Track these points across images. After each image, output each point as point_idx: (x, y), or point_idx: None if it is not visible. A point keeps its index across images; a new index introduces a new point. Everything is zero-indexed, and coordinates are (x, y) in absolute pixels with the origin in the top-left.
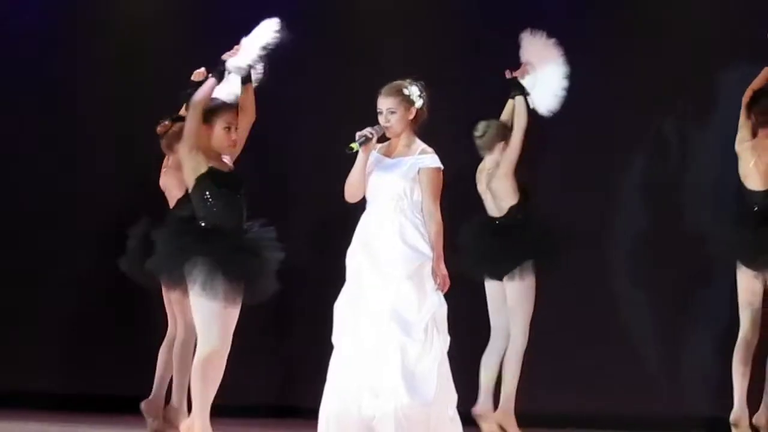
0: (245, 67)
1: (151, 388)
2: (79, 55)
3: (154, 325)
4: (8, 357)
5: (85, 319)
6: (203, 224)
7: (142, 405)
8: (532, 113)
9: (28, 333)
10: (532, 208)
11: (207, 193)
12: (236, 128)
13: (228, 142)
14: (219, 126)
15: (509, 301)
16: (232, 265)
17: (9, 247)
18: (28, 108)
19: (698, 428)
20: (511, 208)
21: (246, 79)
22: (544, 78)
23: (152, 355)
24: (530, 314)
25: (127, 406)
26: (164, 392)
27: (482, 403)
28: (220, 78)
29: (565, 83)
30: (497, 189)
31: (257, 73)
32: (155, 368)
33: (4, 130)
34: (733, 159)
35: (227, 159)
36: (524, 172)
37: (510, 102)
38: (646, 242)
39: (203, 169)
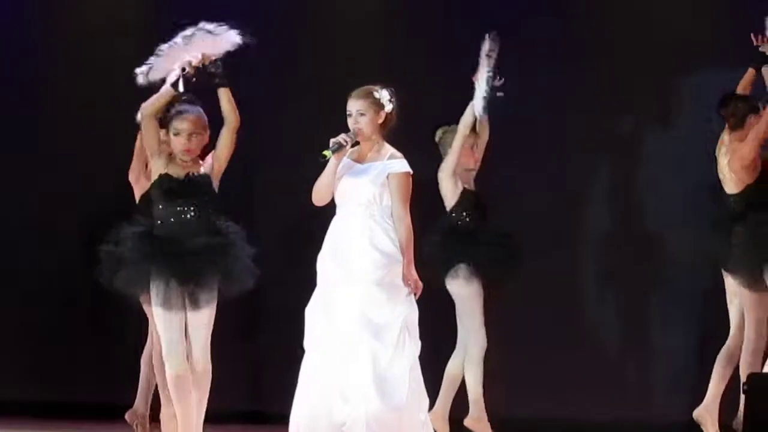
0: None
1: (129, 395)
2: (59, 55)
3: (133, 331)
4: None
5: (61, 324)
6: (155, 231)
7: (127, 415)
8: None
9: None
10: (482, 212)
11: (153, 200)
12: (192, 134)
13: (180, 147)
14: (171, 133)
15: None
16: (169, 271)
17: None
18: (7, 108)
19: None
20: (451, 210)
21: (218, 85)
22: (478, 81)
23: (130, 361)
24: (477, 318)
25: (103, 413)
26: (148, 401)
27: (435, 410)
28: (173, 85)
29: (485, 86)
30: (442, 191)
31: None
32: (134, 376)
33: None
34: (699, 161)
35: (206, 164)
36: (483, 177)
37: None
38: (615, 246)
39: (156, 177)
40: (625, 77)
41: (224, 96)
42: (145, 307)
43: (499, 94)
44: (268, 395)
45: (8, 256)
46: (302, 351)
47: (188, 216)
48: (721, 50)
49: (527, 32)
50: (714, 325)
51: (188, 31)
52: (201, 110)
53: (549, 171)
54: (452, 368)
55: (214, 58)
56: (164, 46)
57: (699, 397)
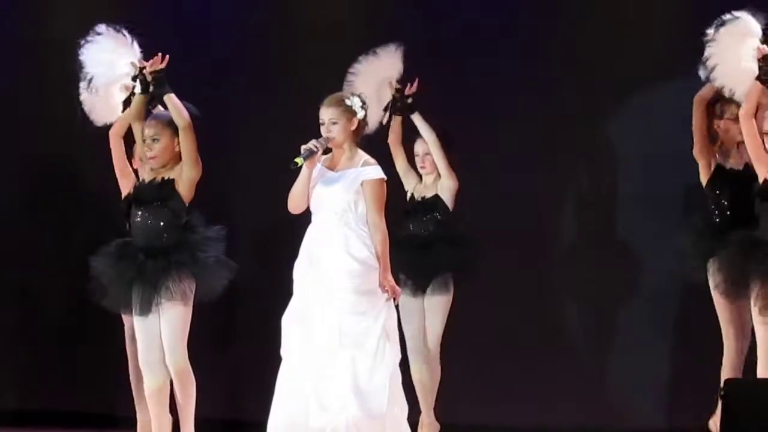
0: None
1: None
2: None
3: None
4: None
5: (50, 332)
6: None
7: None
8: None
9: None
10: (420, 217)
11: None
12: (153, 140)
13: (145, 155)
14: None
15: None
16: (131, 275)
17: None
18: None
19: None
20: None
21: (162, 94)
22: None
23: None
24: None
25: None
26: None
27: (421, 418)
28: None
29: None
30: None
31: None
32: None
33: None
34: (674, 166)
35: (174, 170)
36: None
37: None
38: (593, 250)
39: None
40: (603, 78)
41: (168, 102)
42: (124, 318)
43: (409, 100)
44: (244, 403)
45: (13, 261)
46: (279, 358)
47: (150, 221)
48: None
49: (502, 34)
50: (693, 331)
51: (90, 36)
52: (165, 115)
53: (525, 174)
54: (414, 374)
55: (156, 69)
56: (83, 51)
57: (677, 403)
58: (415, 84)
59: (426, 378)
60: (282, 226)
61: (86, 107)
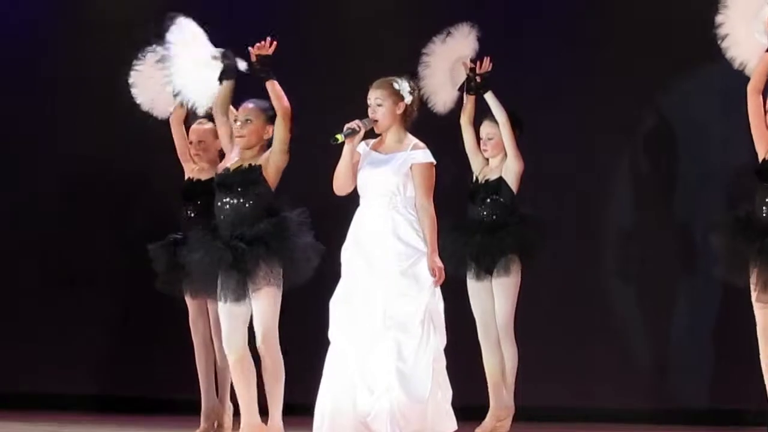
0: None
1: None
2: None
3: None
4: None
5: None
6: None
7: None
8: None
9: (68, 334)
10: (478, 202)
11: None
12: (245, 121)
13: (234, 133)
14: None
15: None
16: (217, 262)
17: (59, 249)
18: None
19: (693, 420)
20: None
21: (263, 79)
22: None
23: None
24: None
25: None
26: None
27: None
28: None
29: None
30: None
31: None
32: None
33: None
34: (719, 152)
35: (259, 158)
36: None
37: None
38: (633, 235)
39: None
40: (650, 60)
41: (269, 88)
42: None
43: (478, 79)
44: (292, 386)
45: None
46: (327, 342)
47: (235, 206)
48: None
49: (554, 15)
50: (733, 314)
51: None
52: (262, 102)
53: (573, 159)
54: (485, 358)
55: (263, 54)
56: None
57: (717, 384)
58: (486, 62)
59: (496, 361)
60: (329, 209)
61: (145, 105)
